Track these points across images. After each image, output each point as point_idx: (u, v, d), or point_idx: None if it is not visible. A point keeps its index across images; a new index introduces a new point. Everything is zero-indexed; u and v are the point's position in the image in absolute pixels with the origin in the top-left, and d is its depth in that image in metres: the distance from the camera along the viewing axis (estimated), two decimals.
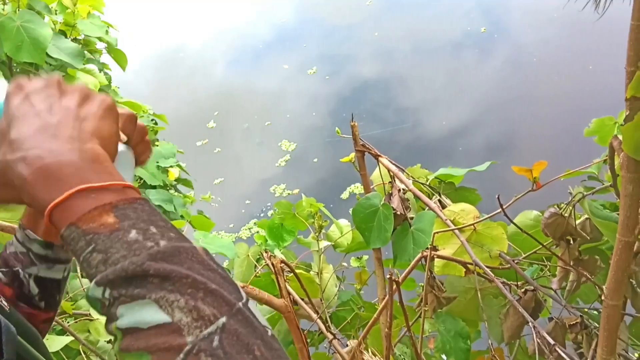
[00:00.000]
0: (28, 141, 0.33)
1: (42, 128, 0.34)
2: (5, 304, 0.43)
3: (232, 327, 0.28)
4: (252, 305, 0.31)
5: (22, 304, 0.50)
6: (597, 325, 1.00)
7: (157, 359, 0.27)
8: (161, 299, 0.28)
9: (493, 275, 0.99)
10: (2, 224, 1.11)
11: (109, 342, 1.25)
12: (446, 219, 1.06)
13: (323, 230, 1.35)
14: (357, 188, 3.87)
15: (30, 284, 0.49)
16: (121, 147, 0.40)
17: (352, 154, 1.20)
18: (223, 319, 0.28)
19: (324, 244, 1.35)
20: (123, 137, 0.41)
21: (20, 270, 0.49)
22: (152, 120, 2.63)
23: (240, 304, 0.29)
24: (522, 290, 1.01)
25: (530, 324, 0.90)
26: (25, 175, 0.32)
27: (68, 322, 1.21)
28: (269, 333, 0.30)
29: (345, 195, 3.90)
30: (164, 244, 0.30)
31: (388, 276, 0.82)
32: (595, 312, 1.15)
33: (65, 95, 0.37)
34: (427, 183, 1.25)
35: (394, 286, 0.83)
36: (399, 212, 1.15)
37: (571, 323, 0.99)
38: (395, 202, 1.16)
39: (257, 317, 0.30)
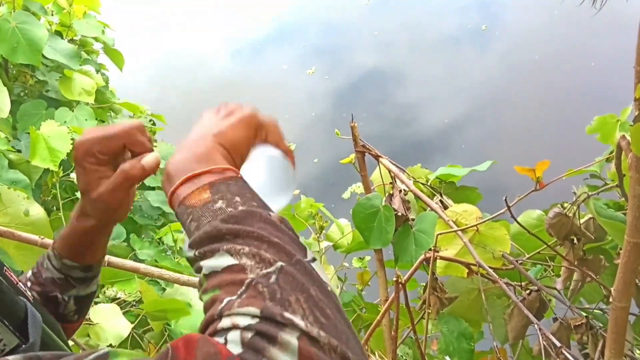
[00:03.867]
0: (174, 155, 0.43)
1: (185, 143, 0.43)
2: (30, 294, 0.45)
3: (289, 270, 0.32)
4: (318, 266, 0.35)
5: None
6: (602, 326, 0.99)
7: (225, 292, 0.32)
8: (231, 249, 0.33)
9: (497, 276, 0.98)
10: (1, 229, 1.10)
11: (109, 346, 1.24)
12: (448, 220, 1.05)
13: (324, 231, 1.33)
14: (359, 188, 3.83)
15: (69, 304, 0.54)
16: (269, 152, 0.46)
17: (352, 155, 1.19)
18: (282, 263, 0.32)
19: (324, 244, 1.34)
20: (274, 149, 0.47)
21: (58, 295, 0.53)
22: (150, 121, 2.62)
23: (302, 259, 0.34)
24: (527, 292, 1.00)
25: (535, 325, 0.88)
26: (164, 179, 0.42)
27: None
28: (328, 288, 0.33)
29: (346, 195, 3.87)
30: (242, 209, 0.36)
31: (394, 278, 0.81)
32: (599, 311, 1.14)
33: (221, 111, 0.46)
34: (428, 183, 1.24)
35: (399, 287, 0.82)
36: (400, 213, 1.14)
37: (576, 324, 0.98)
38: (397, 203, 1.15)
39: (319, 273, 0.34)
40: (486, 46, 5.02)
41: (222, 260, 0.33)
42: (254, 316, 0.29)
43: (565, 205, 1.01)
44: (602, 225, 0.95)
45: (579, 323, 0.98)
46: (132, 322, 1.25)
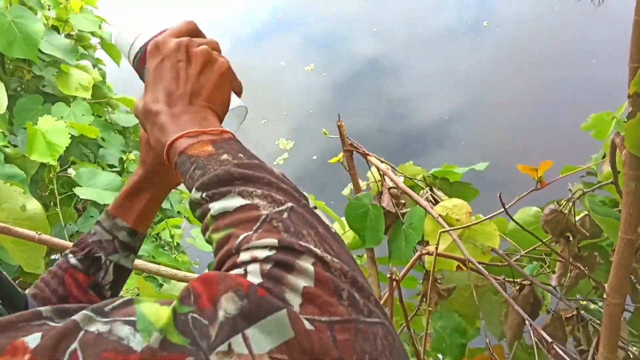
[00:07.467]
0: (159, 103, 0.44)
1: (169, 94, 0.45)
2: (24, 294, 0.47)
3: (298, 210, 0.34)
4: (320, 213, 0.37)
5: (92, 293, 0.56)
6: (592, 318, 0.99)
7: (239, 230, 0.33)
8: (243, 191, 0.35)
9: (487, 272, 0.98)
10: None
11: None
12: (437, 216, 1.05)
13: None
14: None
15: (109, 271, 0.56)
16: (235, 103, 0.49)
17: (341, 154, 1.19)
18: (291, 204, 0.35)
19: None
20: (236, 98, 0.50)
21: (103, 257, 0.56)
22: None
23: (308, 203, 0.36)
24: (519, 287, 1.01)
25: (527, 321, 0.89)
26: (154, 127, 0.44)
27: None
28: (332, 230, 0.35)
29: (346, 191, 3.88)
30: (248, 161, 0.38)
31: (388, 275, 0.81)
32: (591, 302, 1.14)
33: (190, 62, 0.46)
34: (419, 179, 1.23)
35: (394, 285, 0.82)
36: (390, 211, 1.14)
37: (567, 316, 0.99)
38: (386, 201, 1.15)
39: (322, 218, 0.36)
40: (486, 41, 5.01)
41: (233, 202, 0.35)
42: (271, 247, 0.30)
43: (561, 202, 1.01)
44: (597, 222, 0.96)
45: (570, 315, 0.98)
46: None
